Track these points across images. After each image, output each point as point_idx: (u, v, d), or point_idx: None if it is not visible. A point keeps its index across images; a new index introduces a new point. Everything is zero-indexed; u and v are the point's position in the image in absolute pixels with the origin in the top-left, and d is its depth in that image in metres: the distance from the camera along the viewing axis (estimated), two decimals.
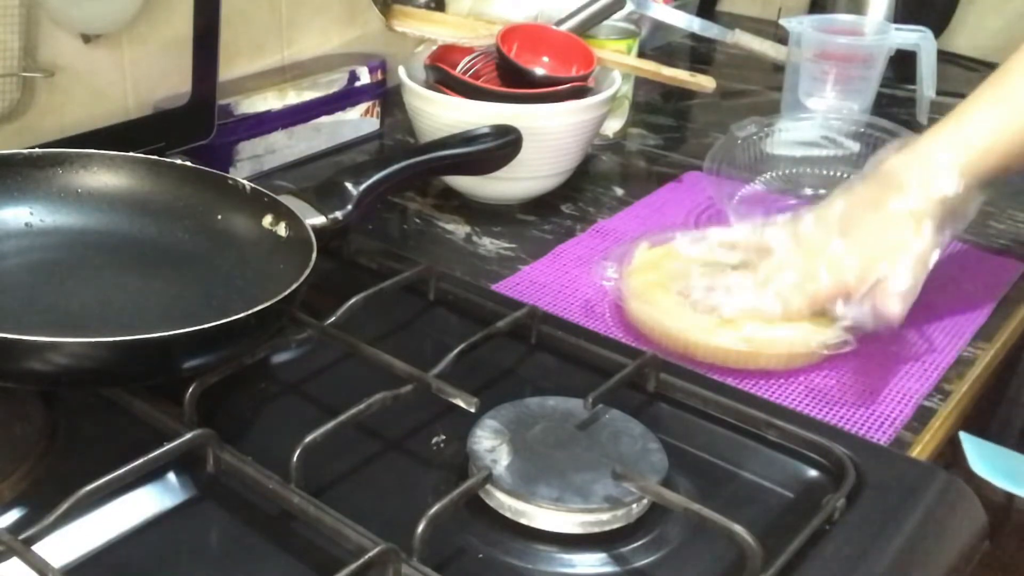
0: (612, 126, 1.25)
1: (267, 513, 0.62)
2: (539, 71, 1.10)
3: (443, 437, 0.69)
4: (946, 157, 0.79)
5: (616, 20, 1.22)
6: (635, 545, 0.62)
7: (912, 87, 1.34)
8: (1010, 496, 1.24)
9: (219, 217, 0.81)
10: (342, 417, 0.64)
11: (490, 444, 0.65)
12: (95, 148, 0.82)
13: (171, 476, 0.65)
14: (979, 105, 0.81)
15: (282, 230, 0.78)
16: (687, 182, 1.16)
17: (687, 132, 1.35)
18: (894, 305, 0.77)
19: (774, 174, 1.07)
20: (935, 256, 0.79)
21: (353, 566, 0.54)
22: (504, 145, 0.94)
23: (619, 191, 1.15)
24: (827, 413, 0.78)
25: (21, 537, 0.54)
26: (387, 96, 1.24)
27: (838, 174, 1.11)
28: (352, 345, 0.74)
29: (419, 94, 1.05)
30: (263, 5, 1.16)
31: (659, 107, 1.40)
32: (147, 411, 0.67)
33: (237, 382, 0.70)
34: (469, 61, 1.12)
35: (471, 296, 0.84)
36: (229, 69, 1.10)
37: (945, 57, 1.42)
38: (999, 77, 0.82)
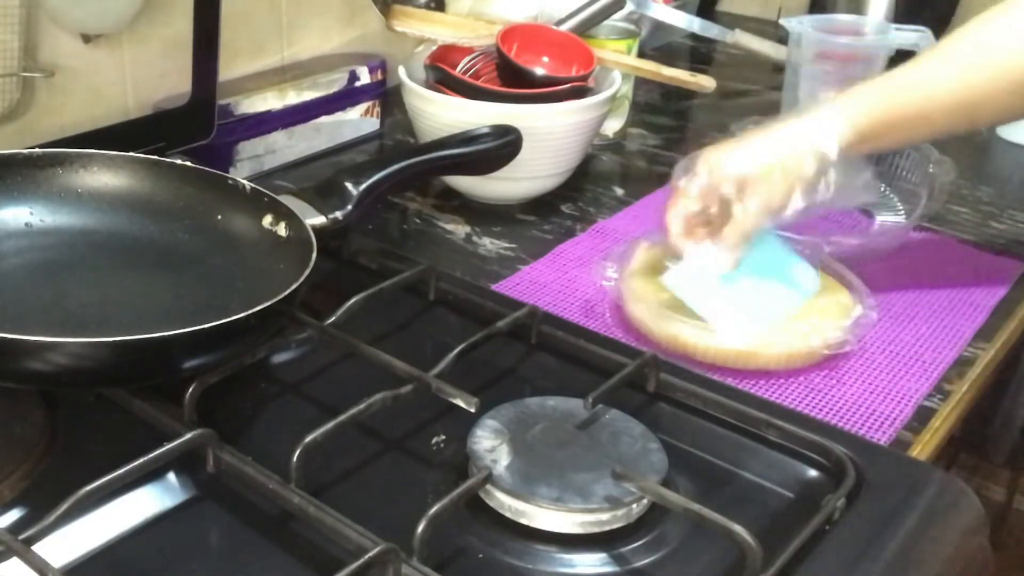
0: (612, 126, 1.25)
1: (267, 513, 0.62)
2: (539, 71, 1.10)
3: (443, 437, 0.69)
4: (832, 122, 0.81)
5: (616, 20, 1.22)
6: (635, 545, 0.62)
7: None
8: (1010, 496, 1.24)
9: (219, 217, 0.81)
10: (342, 417, 0.64)
11: (490, 444, 0.65)
12: (95, 148, 0.82)
13: (171, 476, 0.65)
14: (876, 81, 0.85)
15: (282, 230, 0.78)
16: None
17: (687, 132, 1.35)
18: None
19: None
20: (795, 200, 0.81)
21: (353, 566, 0.54)
22: (504, 145, 0.94)
23: (619, 191, 1.15)
24: (827, 413, 0.78)
25: (21, 537, 0.54)
26: (387, 96, 1.24)
27: None
28: (352, 345, 0.74)
29: (419, 94, 1.05)
30: (263, 5, 1.16)
31: (659, 107, 1.40)
32: (147, 411, 0.67)
33: (237, 382, 0.70)
34: (469, 61, 1.12)
35: (471, 296, 0.84)
36: (229, 69, 1.10)
37: None
38: (914, 59, 0.86)
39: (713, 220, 0.83)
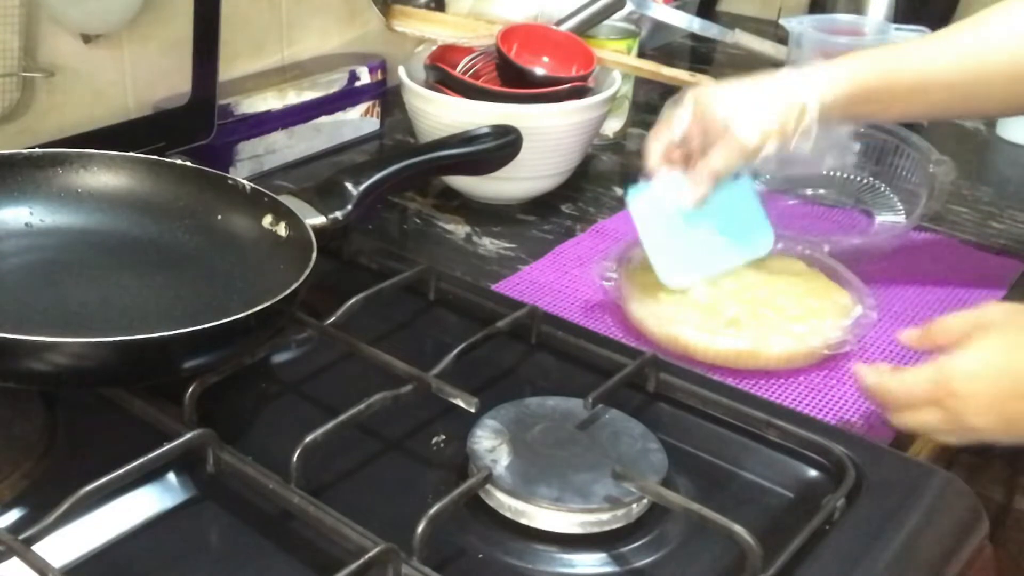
0: (612, 126, 1.25)
1: (267, 513, 0.62)
2: (539, 71, 1.10)
3: (443, 437, 0.69)
4: (818, 77, 0.83)
5: (616, 20, 1.22)
6: (635, 545, 0.62)
7: None
8: (1010, 496, 1.24)
9: (219, 217, 0.81)
10: (342, 417, 0.64)
11: (490, 444, 0.65)
12: (95, 148, 0.82)
13: (171, 476, 0.64)
14: (872, 50, 0.87)
15: (282, 230, 0.78)
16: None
17: None
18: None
19: (774, 174, 1.07)
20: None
21: (353, 566, 0.54)
22: (504, 145, 0.94)
23: (619, 191, 1.15)
24: (827, 413, 0.78)
25: (21, 537, 0.54)
26: (387, 96, 1.24)
27: (838, 174, 1.11)
28: (352, 345, 0.74)
29: (419, 94, 1.05)
30: (263, 5, 1.16)
31: (659, 107, 1.39)
32: (147, 411, 0.67)
33: (237, 382, 0.70)
34: (469, 61, 1.12)
35: (471, 296, 0.84)
36: (229, 69, 1.10)
37: None
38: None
39: (692, 155, 0.85)
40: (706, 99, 0.84)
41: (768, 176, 1.06)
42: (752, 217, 0.89)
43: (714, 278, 0.86)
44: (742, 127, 0.82)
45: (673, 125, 0.86)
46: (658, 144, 0.86)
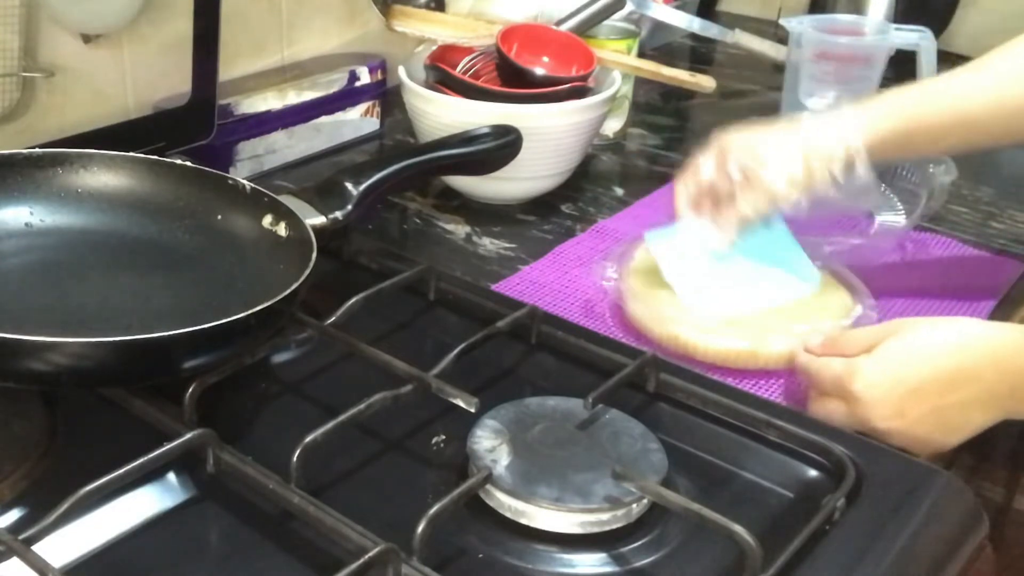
0: (612, 126, 1.25)
1: (267, 513, 0.62)
2: (539, 71, 1.10)
3: (443, 437, 0.69)
4: (856, 120, 0.82)
5: (616, 20, 1.22)
6: (635, 545, 0.62)
7: None
8: (1010, 496, 1.24)
9: (219, 217, 0.81)
10: (342, 417, 0.64)
11: (490, 444, 0.65)
12: (95, 148, 0.82)
13: (171, 476, 0.64)
14: (906, 87, 0.85)
15: (282, 230, 0.78)
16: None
17: (687, 132, 1.35)
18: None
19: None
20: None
21: (353, 566, 0.54)
22: (504, 145, 0.94)
23: (619, 191, 1.15)
24: None
25: (21, 537, 0.54)
26: (387, 96, 1.24)
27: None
28: (352, 345, 0.74)
29: (419, 94, 1.05)
30: (263, 5, 1.16)
31: (659, 107, 1.40)
32: (147, 411, 0.67)
33: (237, 382, 0.70)
34: (469, 61, 1.12)
35: (471, 296, 0.84)
36: (229, 69, 1.10)
37: (945, 57, 1.42)
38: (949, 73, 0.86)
39: (722, 199, 0.84)
40: (737, 142, 0.83)
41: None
42: (791, 258, 0.87)
43: (749, 314, 0.84)
44: (769, 174, 0.81)
45: (700, 169, 0.84)
46: (685, 189, 0.85)
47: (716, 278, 0.84)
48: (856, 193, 0.87)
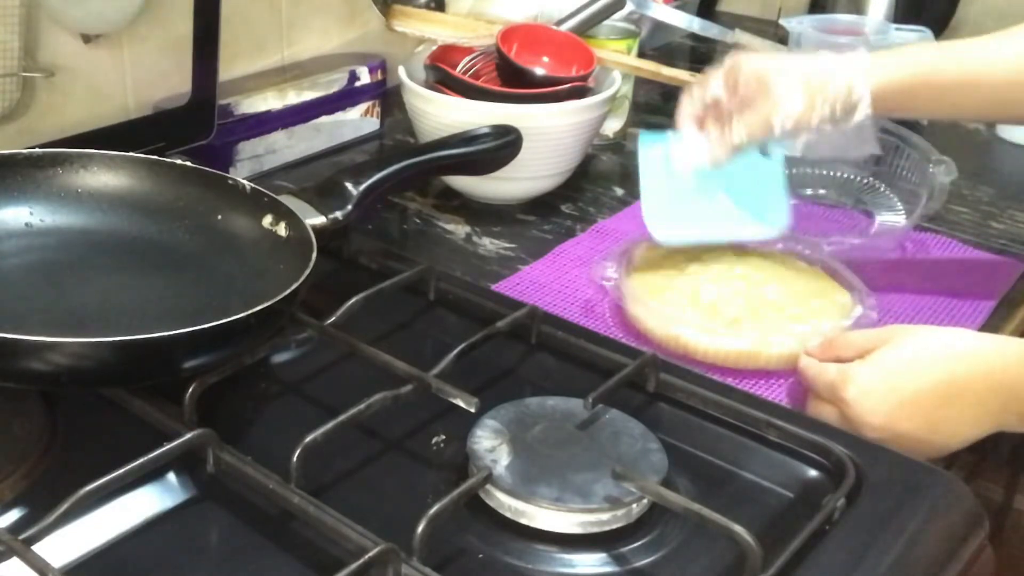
0: (612, 126, 1.25)
1: (267, 513, 0.62)
2: (539, 71, 1.10)
3: (443, 437, 0.69)
4: (867, 63, 0.82)
5: (616, 20, 1.22)
6: (635, 545, 0.62)
7: None
8: (1010, 496, 1.24)
9: (219, 217, 0.81)
10: (342, 417, 0.64)
11: (490, 444, 0.65)
12: (95, 148, 0.82)
13: (171, 476, 0.64)
14: (923, 44, 0.87)
15: (282, 230, 0.78)
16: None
17: None
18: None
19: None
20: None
21: (353, 566, 0.54)
22: (504, 145, 0.94)
23: (619, 191, 1.15)
24: None
25: (21, 537, 0.54)
26: (387, 96, 1.24)
27: (838, 174, 1.11)
28: (352, 345, 0.74)
29: (419, 94, 1.05)
30: (263, 5, 1.16)
31: (659, 107, 1.39)
32: (147, 411, 0.67)
33: (237, 382, 0.70)
34: (469, 61, 1.12)
35: (471, 296, 0.84)
36: (229, 69, 1.10)
37: None
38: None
39: (723, 119, 0.83)
40: (748, 63, 0.83)
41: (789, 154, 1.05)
42: (771, 197, 0.86)
43: (708, 244, 0.84)
44: (769, 101, 0.80)
45: (708, 84, 0.84)
46: (690, 101, 0.85)
47: (684, 203, 0.84)
48: (854, 138, 0.86)
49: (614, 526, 0.62)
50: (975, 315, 0.91)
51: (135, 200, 0.81)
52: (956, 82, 0.82)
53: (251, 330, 0.66)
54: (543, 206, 1.09)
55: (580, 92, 1.06)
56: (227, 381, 0.69)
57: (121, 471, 0.59)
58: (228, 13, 0.99)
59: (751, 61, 0.83)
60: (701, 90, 0.85)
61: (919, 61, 0.82)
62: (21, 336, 0.59)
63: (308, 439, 0.62)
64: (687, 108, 0.86)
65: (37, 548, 0.54)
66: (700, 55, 1.63)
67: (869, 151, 0.94)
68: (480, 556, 0.61)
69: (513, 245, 1.02)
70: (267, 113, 1.11)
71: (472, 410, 0.66)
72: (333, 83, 1.17)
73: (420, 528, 0.57)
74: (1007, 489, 1.25)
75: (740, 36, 1.47)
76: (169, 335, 0.62)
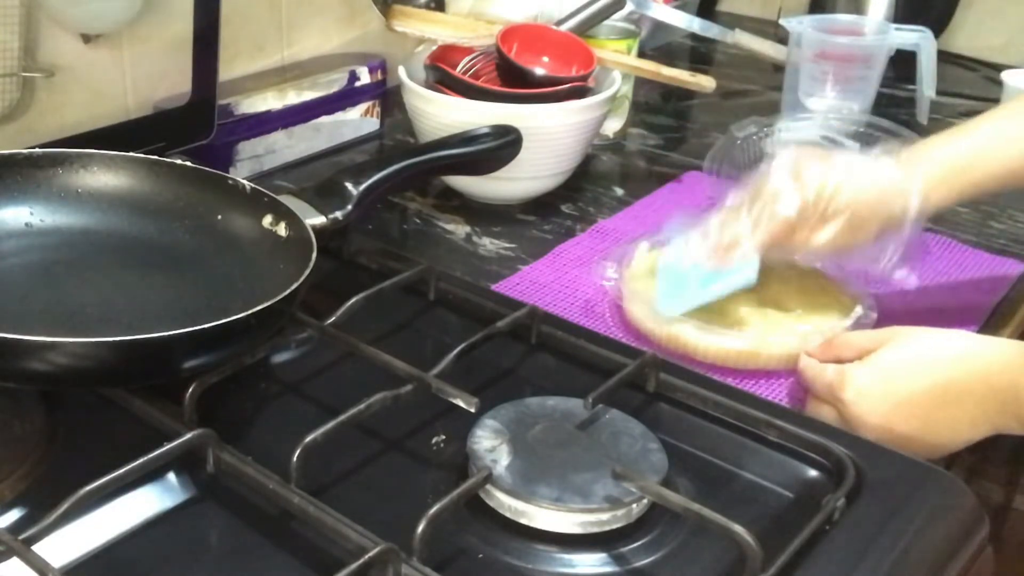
0: (612, 126, 1.25)
1: (267, 513, 0.62)
2: (539, 71, 1.10)
3: (443, 437, 0.69)
4: (916, 180, 0.81)
5: (616, 20, 1.22)
6: (635, 545, 0.62)
7: (912, 87, 1.34)
8: (1010, 496, 1.24)
9: (219, 217, 0.81)
10: (342, 417, 0.64)
11: (490, 444, 0.65)
12: (95, 148, 0.82)
13: (171, 476, 0.64)
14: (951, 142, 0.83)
15: (282, 230, 0.78)
16: (687, 182, 1.16)
17: (687, 132, 1.35)
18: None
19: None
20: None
21: (353, 566, 0.54)
22: (504, 145, 0.94)
23: (619, 191, 1.15)
24: None
25: (21, 537, 0.54)
26: (387, 96, 1.24)
27: None
28: (352, 345, 0.74)
29: (419, 94, 1.05)
30: (263, 5, 1.16)
31: (659, 107, 1.40)
32: (147, 411, 0.67)
33: (237, 382, 0.70)
34: (469, 61, 1.12)
35: (471, 296, 0.84)
36: (229, 69, 1.10)
37: (945, 57, 1.42)
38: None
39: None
40: (818, 176, 0.80)
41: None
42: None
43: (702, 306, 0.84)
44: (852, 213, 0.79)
45: (786, 203, 0.80)
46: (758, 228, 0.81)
47: (686, 278, 0.84)
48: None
49: (614, 526, 0.62)
50: (975, 315, 0.91)
51: (135, 200, 0.81)
52: (1000, 180, 0.83)
53: (251, 330, 0.66)
54: (543, 206, 1.09)
55: (580, 92, 1.06)
56: (227, 381, 0.69)
57: (121, 471, 0.59)
58: (228, 13, 0.99)
59: (823, 173, 0.80)
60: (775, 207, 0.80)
61: (965, 167, 0.82)
62: (21, 336, 0.59)
63: (308, 439, 0.62)
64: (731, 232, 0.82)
65: (37, 548, 0.54)
66: (700, 55, 1.63)
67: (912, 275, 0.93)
68: (480, 556, 0.61)
69: (513, 245, 1.02)
70: (267, 113, 1.11)
71: (472, 410, 0.66)
72: (333, 83, 1.17)
73: (420, 528, 0.57)
74: (1007, 489, 1.25)
75: (740, 36, 1.47)
76: (169, 335, 0.62)
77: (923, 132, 1.13)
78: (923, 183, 0.80)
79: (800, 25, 1.27)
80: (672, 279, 0.85)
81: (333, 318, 0.76)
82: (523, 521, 0.62)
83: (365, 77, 1.21)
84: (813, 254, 0.85)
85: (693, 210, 0.90)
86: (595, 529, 0.62)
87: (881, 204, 0.80)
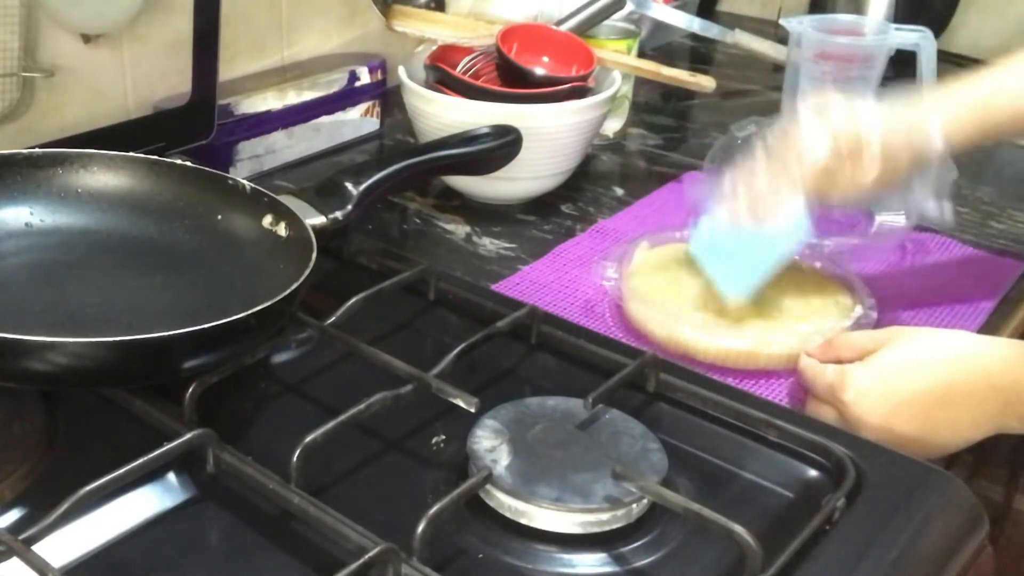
0: (612, 126, 1.25)
1: (267, 513, 0.62)
2: (539, 71, 1.10)
3: (443, 437, 0.69)
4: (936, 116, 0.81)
5: (616, 20, 1.22)
6: (635, 545, 0.62)
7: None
8: (1010, 496, 1.24)
9: (219, 217, 0.81)
10: (342, 417, 0.64)
11: (490, 444, 0.65)
12: (95, 148, 0.82)
13: (171, 476, 0.64)
14: (971, 80, 0.84)
15: (282, 230, 0.78)
16: (687, 182, 1.16)
17: (687, 132, 1.35)
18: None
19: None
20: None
21: (353, 566, 0.54)
22: (504, 145, 0.94)
23: (619, 191, 1.15)
24: None
25: (21, 537, 0.54)
26: (387, 96, 1.24)
27: None
28: (352, 345, 0.74)
29: (419, 94, 1.05)
30: (263, 5, 1.16)
31: (659, 107, 1.40)
32: (147, 411, 0.67)
33: (237, 382, 0.70)
34: (469, 61, 1.12)
35: (471, 296, 0.84)
36: (229, 69, 1.10)
37: (945, 57, 1.42)
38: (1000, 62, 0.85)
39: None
40: (851, 112, 0.80)
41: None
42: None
43: (769, 278, 0.83)
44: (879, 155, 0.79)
45: (819, 141, 0.80)
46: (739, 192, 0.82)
47: (737, 255, 0.82)
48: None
49: (614, 526, 0.62)
50: (975, 315, 0.91)
51: (135, 200, 0.81)
52: (1012, 120, 0.83)
53: (251, 330, 0.66)
54: (543, 206, 1.09)
55: (580, 92, 1.06)
56: (227, 381, 0.69)
57: (121, 471, 0.59)
58: (228, 13, 0.99)
59: (855, 110, 0.80)
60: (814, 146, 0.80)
61: (987, 106, 0.82)
62: (21, 336, 0.59)
63: (308, 439, 0.62)
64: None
65: (37, 548, 0.54)
66: (700, 55, 1.63)
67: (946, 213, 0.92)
68: (480, 556, 0.61)
69: (513, 245, 1.02)
70: (267, 113, 1.11)
71: (472, 410, 0.66)
72: (333, 83, 1.17)
73: (420, 528, 0.57)
74: (1007, 489, 1.25)
75: (740, 36, 1.47)
76: (169, 335, 0.62)
77: None
78: (944, 119, 0.80)
79: (800, 25, 1.27)
80: (720, 258, 0.83)
81: (333, 318, 0.76)
82: (523, 521, 0.62)
83: (365, 77, 1.21)
84: (854, 198, 0.83)
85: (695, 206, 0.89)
86: (595, 529, 0.62)
87: (909, 142, 0.80)
